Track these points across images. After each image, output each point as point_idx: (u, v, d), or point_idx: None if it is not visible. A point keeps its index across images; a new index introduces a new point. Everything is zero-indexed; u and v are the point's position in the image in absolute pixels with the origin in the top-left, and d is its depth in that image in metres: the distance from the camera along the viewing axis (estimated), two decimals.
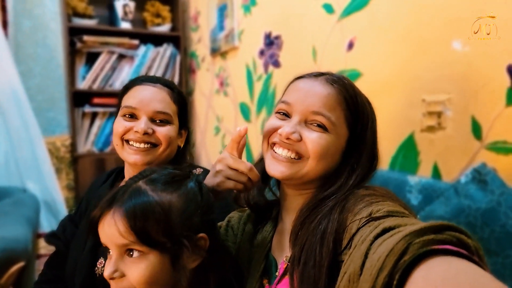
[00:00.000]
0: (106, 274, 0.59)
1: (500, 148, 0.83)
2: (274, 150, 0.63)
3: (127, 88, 0.92)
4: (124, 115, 0.88)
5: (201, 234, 0.61)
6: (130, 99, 0.88)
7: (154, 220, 0.57)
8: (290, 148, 0.61)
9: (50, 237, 1.01)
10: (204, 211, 0.62)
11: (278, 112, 0.65)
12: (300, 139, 0.61)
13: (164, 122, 0.88)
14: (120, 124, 0.88)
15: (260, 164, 0.71)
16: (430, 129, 0.98)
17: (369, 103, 0.68)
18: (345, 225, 0.55)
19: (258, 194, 0.74)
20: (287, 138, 0.61)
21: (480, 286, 0.31)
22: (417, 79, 1.02)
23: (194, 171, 0.95)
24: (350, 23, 1.22)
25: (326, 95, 0.61)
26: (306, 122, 0.62)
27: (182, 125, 0.96)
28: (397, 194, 0.94)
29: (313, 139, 0.60)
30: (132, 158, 0.87)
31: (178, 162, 0.95)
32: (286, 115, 0.64)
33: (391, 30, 1.08)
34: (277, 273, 0.66)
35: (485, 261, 0.37)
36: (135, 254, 0.58)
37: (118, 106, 0.92)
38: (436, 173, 0.97)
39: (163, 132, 0.87)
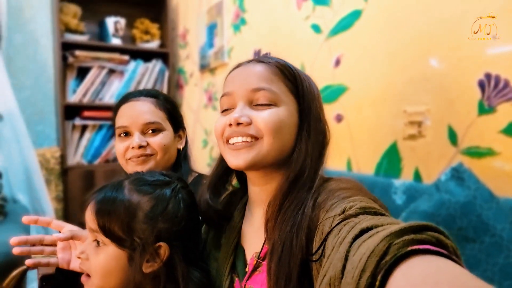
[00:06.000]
0: (76, 253, 0.65)
1: (473, 152, 0.93)
2: (230, 143, 0.62)
3: (116, 109, 0.98)
4: (120, 135, 0.95)
5: (161, 243, 0.61)
6: (120, 119, 0.95)
7: (116, 215, 0.60)
8: (243, 134, 0.60)
9: None
10: (171, 220, 0.62)
11: (223, 111, 0.64)
12: (250, 122, 0.60)
13: (156, 130, 0.94)
14: (119, 145, 0.95)
15: (220, 164, 0.72)
16: (412, 137, 1.09)
17: (308, 77, 0.67)
18: (317, 222, 0.54)
19: (212, 203, 0.70)
20: (238, 124, 0.60)
21: (459, 283, 0.31)
22: (399, 93, 1.13)
23: (205, 181, 1.01)
24: (337, 42, 1.34)
25: (260, 71, 0.61)
26: (251, 104, 0.61)
27: (177, 127, 1.02)
28: (383, 196, 1.05)
29: (263, 117, 0.59)
30: (132, 170, 0.92)
31: (180, 164, 1.01)
32: (232, 108, 0.63)
33: (374, 48, 1.20)
34: (246, 269, 0.65)
35: (462, 261, 0.37)
36: (100, 243, 0.62)
37: (113, 127, 0.99)
38: (417, 177, 1.07)
39: (157, 141, 0.93)
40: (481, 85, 0.91)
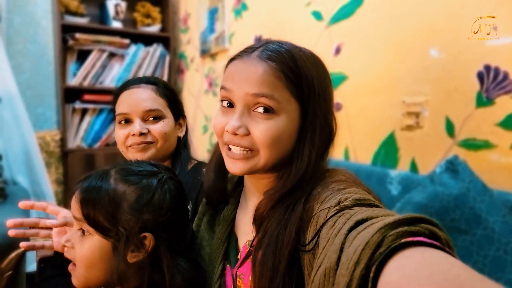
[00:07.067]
0: (61, 241, 0.64)
1: (470, 144, 0.93)
2: (229, 148, 0.61)
3: (116, 96, 0.97)
4: (120, 122, 0.95)
5: (146, 233, 0.61)
6: (121, 106, 0.94)
7: (100, 205, 0.60)
8: (240, 144, 0.59)
9: None
10: (156, 210, 0.62)
11: (222, 102, 0.62)
12: (248, 133, 0.58)
13: (157, 118, 0.94)
14: (119, 132, 0.94)
15: (216, 154, 0.71)
16: (409, 128, 1.08)
17: (316, 64, 0.61)
18: (311, 213, 0.54)
19: (217, 183, 0.71)
20: (235, 134, 0.58)
21: (452, 274, 0.31)
22: (398, 82, 1.12)
23: (204, 169, 1.01)
24: (337, 30, 1.32)
25: (262, 74, 0.56)
26: (250, 108, 0.58)
27: (178, 115, 1.01)
28: (379, 186, 1.05)
29: (261, 131, 0.57)
30: (133, 157, 0.93)
31: (180, 152, 1.00)
32: (231, 104, 0.60)
33: (375, 37, 1.19)
34: (238, 256, 0.66)
35: (455, 253, 0.37)
36: (85, 232, 0.62)
37: (114, 114, 0.98)
38: (414, 168, 1.07)
39: (158, 128, 0.93)
40: (480, 76, 0.90)
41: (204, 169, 0.99)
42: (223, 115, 0.61)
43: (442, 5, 0.98)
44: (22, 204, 0.78)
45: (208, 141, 2.30)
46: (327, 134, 0.61)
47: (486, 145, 0.90)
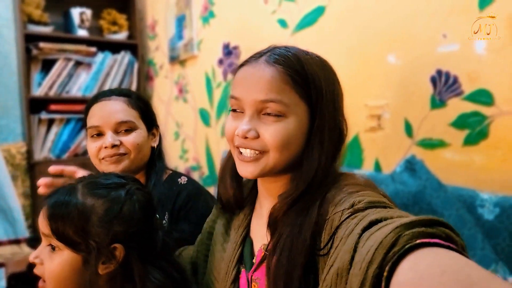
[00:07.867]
0: (30, 257, 0.64)
1: (426, 144, 1.00)
2: (240, 151, 0.62)
3: (87, 109, 0.97)
4: (92, 136, 0.94)
5: (116, 244, 0.61)
6: (92, 119, 0.94)
7: (69, 220, 0.60)
8: (251, 147, 0.60)
9: (34, 241, 1.05)
10: (126, 222, 0.62)
11: (232, 110, 0.64)
12: (258, 136, 0.59)
13: (129, 130, 0.94)
14: (91, 145, 0.94)
15: (230, 160, 0.71)
16: (372, 129, 1.14)
17: (323, 67, 0.64)
18: (326, 216, 0.54)
19: (233, 189, 0.71)
20: (245, 137, 0.59)
21: (463, 273, 0.32)
22: (360, 87, 1.18)
23: (179, 179, 1.01)
24: (302, 37, 1.37)
25: (270, 79, 0.57)
26: (260, 113, 0.59)
27: (151, 125, 1.02)
28: None
29: (270, 133, 0.58)
30: (107, 169, 0.92)
31: (155, 162, 1.01)
32: (240, 111, 0.62)
33: (337, 45, 1.24)
34: (254, 260, 0.66)
35: (468, 255, 0.38)
36: (55, 248, 0.62)
37: (85, 127, 0.98)
38: (378, 167, 1.13)
39: (130, 140, 0.93)
40: (433, 81, 0.97)
41: (179, 179, 1.01)
42: (233, 120, 0.63)
43: (398, 16, 1.05)
44: (52, 168, 0.85)
45: (180, 148, 2.30)
46: (337, 136, 0.62)
47: (440, 144, 0.97)
